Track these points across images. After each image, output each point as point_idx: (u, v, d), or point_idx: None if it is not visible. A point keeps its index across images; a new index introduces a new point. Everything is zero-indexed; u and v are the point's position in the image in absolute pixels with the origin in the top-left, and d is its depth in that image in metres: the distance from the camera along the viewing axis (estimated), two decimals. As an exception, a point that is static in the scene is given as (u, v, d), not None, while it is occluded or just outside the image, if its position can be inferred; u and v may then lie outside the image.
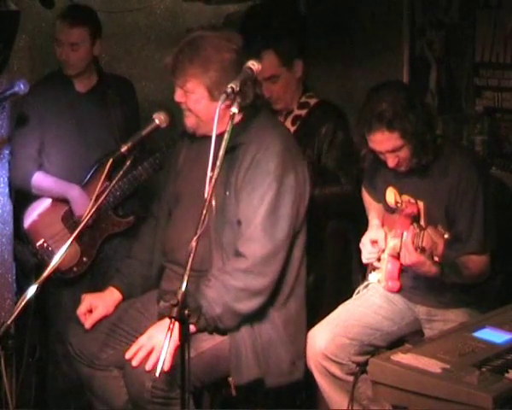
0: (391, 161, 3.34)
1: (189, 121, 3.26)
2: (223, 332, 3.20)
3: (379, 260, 3.54)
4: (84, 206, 3.89)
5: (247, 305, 3.15)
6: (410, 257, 3.18)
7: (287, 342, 3.28)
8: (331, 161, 3.94)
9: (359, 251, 3.57)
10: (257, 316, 3.22)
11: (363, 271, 3.86)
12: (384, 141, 3.29)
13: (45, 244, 4.01)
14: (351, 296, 3.87)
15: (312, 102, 4.10)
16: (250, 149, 3.15)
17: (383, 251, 3.49)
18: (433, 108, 4.42)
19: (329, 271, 4.01)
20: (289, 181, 3.17)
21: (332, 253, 4.05)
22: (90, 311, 3.37)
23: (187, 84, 3.18)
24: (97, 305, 3.37)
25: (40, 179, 4.04)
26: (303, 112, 4.08)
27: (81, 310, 3.37)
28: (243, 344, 3.20)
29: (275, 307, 3.25)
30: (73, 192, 3.99)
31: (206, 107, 3.19)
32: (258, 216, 3.14)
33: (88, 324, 3.33)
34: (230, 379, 3.19)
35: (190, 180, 3.33)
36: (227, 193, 3.16)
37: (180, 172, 3.41)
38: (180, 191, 3.38)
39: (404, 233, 3.29)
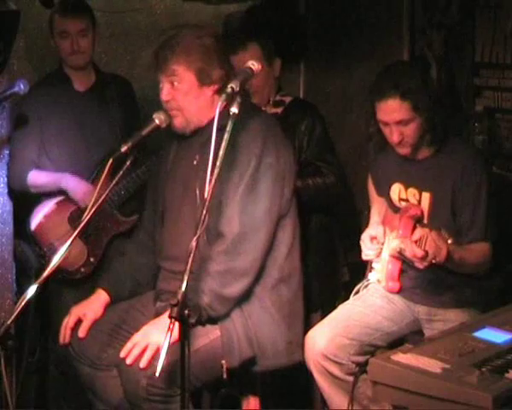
0: (396, 136, 3.33)
1: (178, 121, 3.27)
2: (216, 321, 3.19)
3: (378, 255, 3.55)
4: (82, 191, 3.91)
5: (235, 287, 3.15)
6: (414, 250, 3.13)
7: (280, 323, 3.26)
8: (312, 156, 3.95)
9: (345, 245, 3.59)
10: (246, 298, 3.22)
11: (349, 264, 3.87)
12: (395, 110, 3.30)
13: (52, 246, 3.99)
14: (337, 289, 3.88)
15: (287, 100, 4.12)
16: (232, 131, 3.15)
17: (382, 244, 3.49)
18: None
19: (316, 264, 4.00)
20: (269, 160, 3.18)
21: (318, 247, 4.05)
22: (81, 321, 3.36)
23: (175, 73, 3.21)
24: (85, 313, 3.36)
25: (35, 177, 4.02)
26: (278, 110, 4.09)
27: (69, 324, 3.35)
28: (233, 326, 3.20)
29: (264, 290, 3.24)
30: (67, 181, 3.97)
31: (195, 96, 3.23)
32: (237, 194, 3.15)
33: (81, 333, 3.32)
34: (223, 362, 3.16)
35: (181, 178, 3.34)
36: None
37: (170, 172, 3.41)
38: (171, 190, 3.38)
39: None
